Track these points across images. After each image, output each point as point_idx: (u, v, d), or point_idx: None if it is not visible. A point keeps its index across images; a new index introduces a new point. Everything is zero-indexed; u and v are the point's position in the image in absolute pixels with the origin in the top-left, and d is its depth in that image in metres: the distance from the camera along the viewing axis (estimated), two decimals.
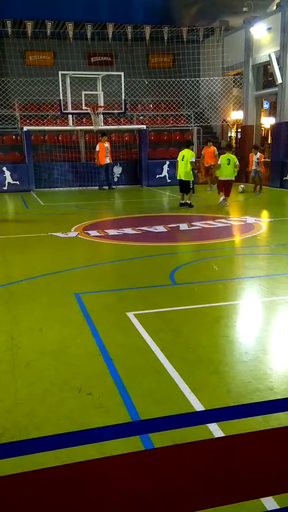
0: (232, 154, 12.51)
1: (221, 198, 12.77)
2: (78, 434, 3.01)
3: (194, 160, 12.40)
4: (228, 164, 12.30)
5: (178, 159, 12.58)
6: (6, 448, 2.88)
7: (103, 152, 16.79)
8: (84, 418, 3.17)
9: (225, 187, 12.60)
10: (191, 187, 12.55)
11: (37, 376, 3.76)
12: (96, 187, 17.62)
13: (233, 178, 12.63)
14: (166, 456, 2.82)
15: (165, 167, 18.48)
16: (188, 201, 12.68)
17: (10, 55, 19.62)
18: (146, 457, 2.81)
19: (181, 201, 12.86)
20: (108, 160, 16.99)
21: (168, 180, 18.38)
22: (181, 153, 12.51)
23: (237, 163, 12.46)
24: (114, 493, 2.49)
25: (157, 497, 2.46)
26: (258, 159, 15.80)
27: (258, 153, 16.02)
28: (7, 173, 17.17)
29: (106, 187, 17.42)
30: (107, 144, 16.85)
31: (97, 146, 16.89)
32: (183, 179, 12.50)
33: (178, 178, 12.65)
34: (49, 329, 4.69)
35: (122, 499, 2.44)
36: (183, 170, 12.40)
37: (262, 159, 16.22)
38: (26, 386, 3.60)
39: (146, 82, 19.90)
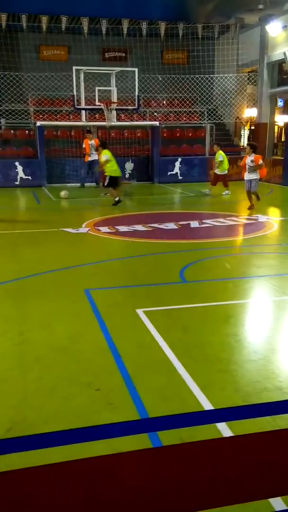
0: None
1: (226, 191, 14.27)
2: (87, 430, 3.02)
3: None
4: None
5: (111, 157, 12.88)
6: (15, 443, 2.90)
7: (87, 149, 16.63)
8: (92, 414, 3.18)
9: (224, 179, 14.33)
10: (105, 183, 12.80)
11: (46, 371, 3.78)
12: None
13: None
14: (173, 454, 2.82)
15: (177, 164, 18.43)
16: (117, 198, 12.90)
17: (25, 50, 19.67)
18: (154, 454, 2.82)
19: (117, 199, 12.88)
20: (94, 157, 16.40)
21: (180, 177, 18.34)
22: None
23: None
24: (122, 490, 2.50)
25: (163, 495, 2.47)
26: (253, 161, 11.40)
27: (253, 154, 11.46)
28: (20, 168, 17.22)
29: (81, 185, 17.12)
30: (92, 141, 16.59)
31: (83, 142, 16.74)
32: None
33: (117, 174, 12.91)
34: (58, 324, 4.71)
35: (129, 496, 2.45)
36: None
37: (260, 161, 11.54)
38: (35, 381, 3.62)
39: (160, 78, 19.84)
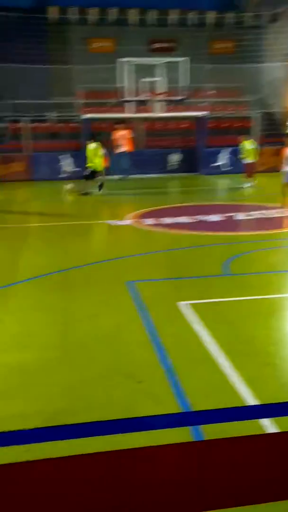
0: None
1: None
2: (129, 421, 3.03)
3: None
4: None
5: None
6: (59, 431, 2.94)
7: (118, 141, 16.56)
8: (134, 405, 3.19)
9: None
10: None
11: (90, 361, 3.82)
12: (153, 174, 17.56)
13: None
14: (215, 449, 2.78)
15: (223, 155, 18.14)
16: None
17: (74, 42, 19.86)
18: (196, 448, 2.79)
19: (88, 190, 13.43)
20: (123, 149, 16.44)
21: (226, 168, 18.04)
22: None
23: None
24: (162, 482, 2.49)
25: (203, 489, 2.44)
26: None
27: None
28: (65, 161, 17.46)
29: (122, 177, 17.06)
30: (123, 132, 16.52)
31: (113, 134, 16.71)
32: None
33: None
34: (102, 315, 4.75)
35: (169, 489, 2.44)
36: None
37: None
38: (79, 370, 3.67)
39: (207, 68, 19.54)
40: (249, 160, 14.11)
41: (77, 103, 19.52)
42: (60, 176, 17.36)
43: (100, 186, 13.63)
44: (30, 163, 17.21)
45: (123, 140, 16.23)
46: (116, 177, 16.64)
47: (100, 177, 13.56)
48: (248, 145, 14.10)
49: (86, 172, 13.44)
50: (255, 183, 14.25)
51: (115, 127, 16.72)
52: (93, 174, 13.46)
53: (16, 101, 18.05)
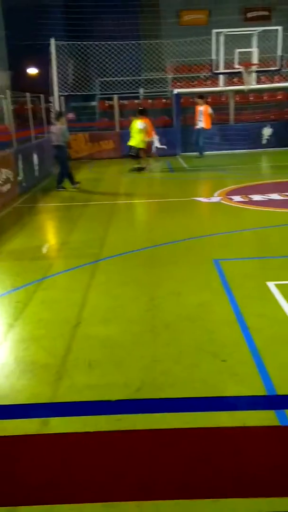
0: None
1: None
2: (213, 400, 3.04)
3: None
4: None
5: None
6: (144, 404, 3.03)
7: (196, 116, 15.96)
8: (217, 384, 3.18)
9: None
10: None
11: (174, 337, 3.86)
12: (244, 150, 17.05)
13: None
14: None
15: None
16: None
17: (165, 16, 19.59)
18: (282, 432, 2.73)
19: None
20: (200, 125, 15.93)
21: None
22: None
23: None
24: (246, 464, 2.48)
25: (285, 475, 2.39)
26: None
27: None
28: (156, 138, 17.42)
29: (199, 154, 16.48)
30: (202, 108, 15.89)
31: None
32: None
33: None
34: (187, 293, 4.75)
35: (254, 471, 2.42)
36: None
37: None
38: (164, 346, 3.72)
39: None
40: None
41: (168, 78, 19.34)
42: (152, 152, 17.40)
43: (141, 168, 13.46)
44: (120, 141, 17.43)
45: (201, 116, 15.84)
46: (192, 154, 16.40)
47: (144, 159, 13.46)
48: None
49: (132, 152, 13.33)
50: None
51: (196, 101, 16.33)
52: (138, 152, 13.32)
53: (106, 79, 18.29)
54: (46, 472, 2.48)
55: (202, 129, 16.08)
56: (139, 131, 13.14)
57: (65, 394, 3.15)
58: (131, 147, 13.41)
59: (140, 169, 13.43)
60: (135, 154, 13.39)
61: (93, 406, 3.02)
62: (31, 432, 2.79)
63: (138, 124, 13.15)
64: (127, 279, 5.23)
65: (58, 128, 11.07)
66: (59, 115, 11.67)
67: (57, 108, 16.33)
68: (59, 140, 10.98)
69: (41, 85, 16.93)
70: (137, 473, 2.43)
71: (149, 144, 14.18)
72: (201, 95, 16.40)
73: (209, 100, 18.44)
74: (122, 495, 2.29)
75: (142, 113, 13.69)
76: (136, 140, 13.22)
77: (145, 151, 13.70)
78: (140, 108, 14.62)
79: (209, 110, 16.00)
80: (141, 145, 13.32)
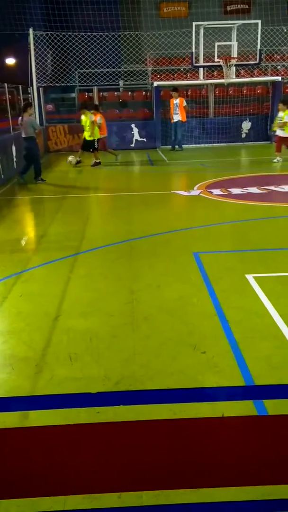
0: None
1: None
2: (192, 391, 3.07)
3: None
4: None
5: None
6: (123, 396, 3.05)
7: (172, 109, 16.03)
8: (197, 375, 3.22)
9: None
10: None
11: (154, 330, 3.88)
12: (223, 143, 17.13)
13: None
14: (279, 424, 2.76)
15: None
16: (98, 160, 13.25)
17: (145, 8, 19.46)
18: (259, 422, 2.78)
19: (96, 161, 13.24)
20: (177, 118, 15.99)
21: None
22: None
23: None
24: (225, 454, 2.52)
25: (266, 464, 2.44)
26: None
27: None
28: (135, 130, 17.40)
29: (171, 148, 16.56)
30: (177, 100, 15.96)
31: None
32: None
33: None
34: (167, 286, 4.78)
35: (232, 461, 2.46)
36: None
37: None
38: (144, 339, 3.74)
39: (285, 30, 18.47)
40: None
41: (148, 70, 19.26)
42: (132, 145, 17.35)
43: (98, 163, 13.33)
44: None
45: (177, 109, 15.85)
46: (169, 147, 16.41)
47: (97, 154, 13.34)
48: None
49: (93, 144, 13.22)
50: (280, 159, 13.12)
51: (171, 95, 16.31)
52: (88, 144, 13.24)
53: (86, 70, 18.12)
54: (27, 465, 2.48)
55: (180, 122, 16.10)
56: (91, 124, 13.04)
57: (45, 387, 3.14)
58: (86, 140, 13.31)
59: (97, 164, 13.29)
60: (93, 149, 13.29)
61: (73, 399, 3.03)
62: (11, 425, 2.78)
63: (90, 117, 13.08)
64: (107, 272, 5.23)
65: (26, 120, 10.71)
66: (26, 105, 11.21)
67: (35, 99, 16.13)
68: (27, 132, 10.71)
69: (20, 76, 16.70)
70: (118, 464, 2.45)
71: (104, 140, 14.06)
72: (175, 88, 16.38)
73: (189, 93, 18.49)
74: (104, 487, 2.31)
75: (97, 108, 13.75)
76: (90, 133, 13.14)
77: (100, 146, 13.58)
78: (96, 104, 14.91)
79: (184, 102, 16.02)
80: (97, 137, 13.21)
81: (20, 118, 11.08)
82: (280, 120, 12.32)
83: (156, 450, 2.55)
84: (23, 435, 2.72)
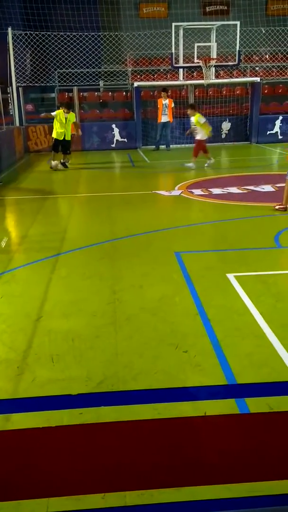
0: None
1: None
2: (174, 391, 3.08)
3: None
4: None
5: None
6: (106, 397, 3.04)
7: (160, 110, 16.17)
8: (179, 374, 3.23)
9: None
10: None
11: (136, 330, 3.88)
12: None
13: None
14: (261, 422, 2.79)
15: (278, 123, 17.50)
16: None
17: (125, 8, 19.45)
18: (241, 420, 2.81)
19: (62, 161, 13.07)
20: (165, 119, 16.13)
21: (280, 137, 17.44)
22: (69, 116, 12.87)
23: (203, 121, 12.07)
24: (208, 452, 2.53)
25: (248, 461, 2.46)
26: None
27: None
28: (116, 131, 17.39)
29: (155, 147, 16.59)
30: (166, 101, 16.10)
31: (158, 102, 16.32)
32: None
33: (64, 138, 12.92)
34: (149, 286, 4.79)
35: (215, 459, 2.48)
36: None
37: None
38: (126, 339, 3.74)
39: (264, 31, 18.69)
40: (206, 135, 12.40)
41: (128, 71, 19.26)
42: (113, 145, 17.33)
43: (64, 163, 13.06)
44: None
45: (166, 109, 15.92)
46: (151, 147, 16.44)
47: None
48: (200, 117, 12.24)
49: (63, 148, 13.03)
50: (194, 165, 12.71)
51: (160, 95, 16.41)
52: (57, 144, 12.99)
53: (66, 70, 18.04)
54: (9, 467, 2.45)
55: (168, 122, 16.17)
56: (68, 124, 12.87)
57: (27, 389, 3.12)
58: (60, 140, 12.92)
59: (65, 165, 13.09)
60: (69, 151, 13.12)
61: (56, 401, 3.01)
62: None
63: (73, 117, 13.08)
64: (88, 273, 5.21)
65: None
66: None
67: (15, 99, 15.99)
68: None
69: None
70: (101, 465, 2.45)
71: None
72: (165, 88, 16.45)
73: (169, 93, 18.53)
74: (87, 488, 2.30)
75: (69, 107, 13.54)
76: (68, 132, 12.95)
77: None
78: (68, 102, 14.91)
79: (172, 104, 16.12)
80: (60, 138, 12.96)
81: None
82: (194, 125, 12.14)
83: (139, 450, 2.55)
84: (5, 438, 2.69)
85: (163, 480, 2.34)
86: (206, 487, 2.29)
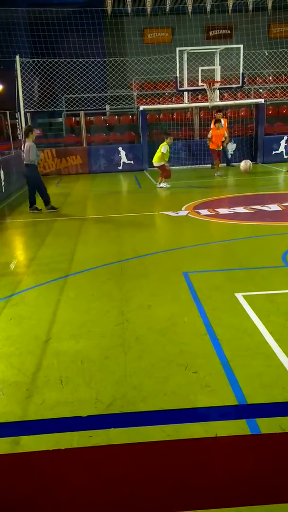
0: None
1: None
2: (184, 412, 3.05)
3: None
4: None
5: None
6: (115, 418, 3.02)
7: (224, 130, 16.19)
8: (189, 396, 3.20)
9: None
10: None
11: (145, 351, 3.87)
12: (209, 164, 17.37)
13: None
14: (273, 443, 2.75)
15: (283, 143, 17.62)
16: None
17: (130, 34, 19.90)
18: (253, 441, 2.77)
19: None
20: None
21: (286, 156, 17.54)
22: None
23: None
24: (219, 473, 2.50)
25: (261, 484, 2.42)
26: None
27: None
28: (123, 153, 17.61)
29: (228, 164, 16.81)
30: (222, 122, 16.24)
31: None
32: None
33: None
34: (157, 306, 4.78)
35: (226, 480, 2.44)
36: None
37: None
38: (135, 360, 3.73)
39: (267, 54, 18.98)
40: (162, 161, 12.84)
41: (134, 95, 19.60)
42: (119, 168, 17.52)
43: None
44: (87, 156, 17.49)
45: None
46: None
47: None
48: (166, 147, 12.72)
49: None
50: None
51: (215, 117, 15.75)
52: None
53: (73, 95, 18.39)
54: (19, 491, 2.43)
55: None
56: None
57: (36, 412, 3.10)
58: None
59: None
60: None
61: (65, 423, 2.99)
62: (2, 451, 2.74)
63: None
64: (97, 294, 5.22)
65: (28, 145, 10.16)
66: (28, 130, 10.55)
67: (23, 124, 16.28)
68: (29, 158, 10.17)
69: (7, 101, 16.87)
70: (111, 488, 2.42)
71: None
72: (219, 109, 16.37)
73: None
74: (98, 510, 2.27)
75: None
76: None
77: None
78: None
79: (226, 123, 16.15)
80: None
81: (23, 143, 10.69)
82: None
83: (150, 473, 2.52)
84: (14, 461, 2.67)
85: (175, 503, 2.30)
86: (219, 510, 2.25)
